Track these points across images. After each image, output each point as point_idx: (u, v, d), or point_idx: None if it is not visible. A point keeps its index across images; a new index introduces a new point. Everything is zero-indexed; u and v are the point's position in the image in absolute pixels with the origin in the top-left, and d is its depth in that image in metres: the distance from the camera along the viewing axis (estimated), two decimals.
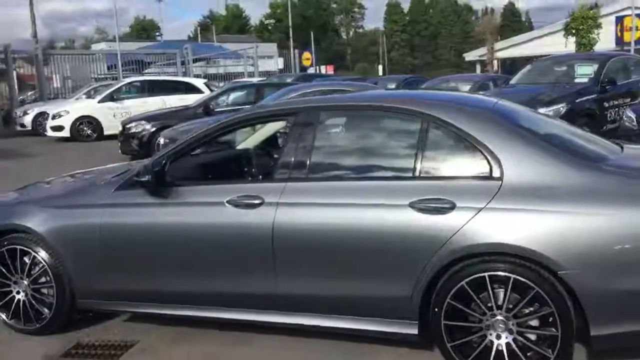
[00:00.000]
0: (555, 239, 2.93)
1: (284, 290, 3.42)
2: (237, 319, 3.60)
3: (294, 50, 37.86)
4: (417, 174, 3.26)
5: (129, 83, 17.33)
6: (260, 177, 3.77)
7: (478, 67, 40.10)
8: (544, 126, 3.60)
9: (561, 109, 9.39)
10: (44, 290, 3.94)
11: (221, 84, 21.28)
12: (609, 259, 2.89)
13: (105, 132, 15.88)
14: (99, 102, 16.27)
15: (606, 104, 9.81)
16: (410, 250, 3.15)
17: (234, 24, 78.39)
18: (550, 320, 2.98)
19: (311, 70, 35.86)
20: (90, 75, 23.23)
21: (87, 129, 16.10)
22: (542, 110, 9.33)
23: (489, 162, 3.13)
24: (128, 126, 11.82)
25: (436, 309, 3.15)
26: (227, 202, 3.47)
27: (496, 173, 3.10)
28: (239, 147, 4.54)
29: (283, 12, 67.75)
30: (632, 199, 2.92)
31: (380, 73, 53.03)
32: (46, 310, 3.94)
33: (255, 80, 20.23)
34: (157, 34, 77.17)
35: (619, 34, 28.16)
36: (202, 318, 3.70)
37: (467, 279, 3.07)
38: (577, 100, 9.59)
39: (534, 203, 2.99)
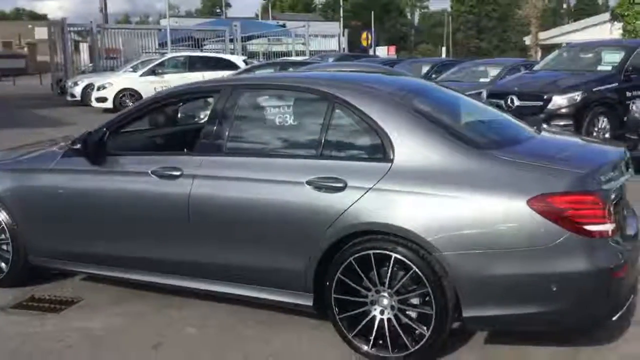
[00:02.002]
0: (433, 222, 3.03)
1: (198, 257, 3.65)
2: (158, 283, 3.87)
3: (348, 31, 37.60)
4: (318, 152, 3.40)
5: (171, 58, 17.92)
6: (185, 150, 4.00)
7: (540, 52, 38.71)
8: (456, 113, 3.65)
9: (576, 97, 9.17)
10: (4, 247, 4.33)
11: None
12: (481, 244, 2.96)
13: None
14: (140, 75, 16.92)
15: (629, 94, 9.46)
16: (305, 226, 3.30)
17: (299, 3, 78.59)
18: (426, 299, 3.09)
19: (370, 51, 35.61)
20: (141, 50, 24.02)
21: (128, 101, 16.78)
22: (556, 97, 9.21)
23: (383, 145, 3.24)
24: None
25: (327, 283, 3.31)
26: (152, 172, 3.72)
27: (388, 155, 3.21)
28: (170, 120, 4.80)
29: None
30: (506, 187, 2.97)
31: (444, 55, 52.08)
32: (3, 265, 4.33)
33: (302, 58, 20.47)
34: (219, 10, 78.26)
35: None
36: (131, 280, 3.99)
37: (354, 256, 3.21)
38: (594, 89, 9.31)
39: (418, 186, 3.09)
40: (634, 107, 7.92)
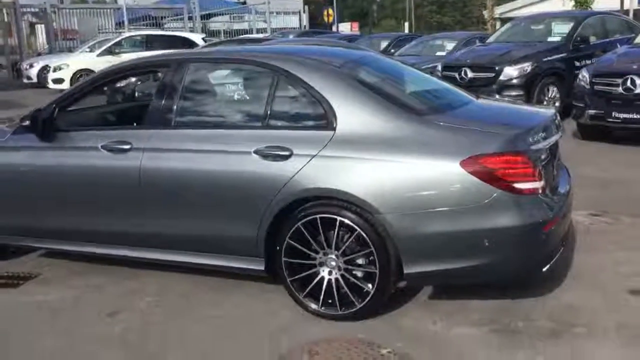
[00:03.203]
0: (375, 186, 3.19)
1: (151, 229, 3.75)
2: (114, 255, 3.96)
3: (310, 8, 37.36)
4: (264, 123, 3.52)
5: (128, 37, 17.66)
6: (134, 124, 4.06)
7: (497, 25, 39.10)
8: (397, 82, 3.80)
9: (526, 67, 9.45)
10: None
11: None
12: (419, 204, 3.13)
13: None
14: (97, 55, 16.66)
15: (577, 64, 9.77)
16: (255, 194, 3.43)
17: None
18: (370, 258, 3.26)
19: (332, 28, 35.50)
20: (98, 30, 23.56)
21: None
22: (507, 68, 9.46)
23: (326, 114, 3.37)
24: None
25: (278, 248, 3.45)
26: (102, 146, 3.79)
27: (332, 124, 3.34)
28: (119, 95, 4.86)
29: None
30: (441, 150, 3.13)
31: (407, 30, 52.18)
32: None
33: (262, 36, 20.36)
34: None
35: None
36: (87, 253, 4.08)
37: (302, 221, 3.35)
38: (544, 59, 9.60)
39: (359, 152, 3.24)
40: (579, 77, 8.19)
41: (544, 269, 3.27)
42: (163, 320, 3.51)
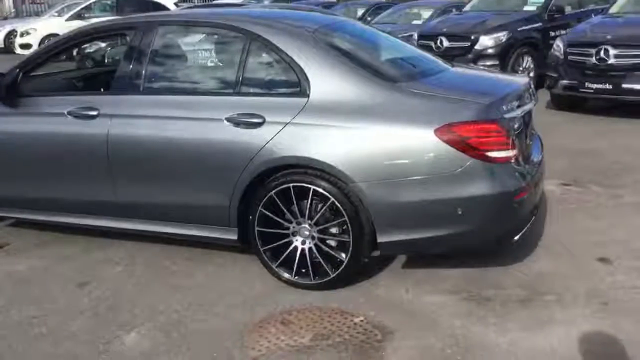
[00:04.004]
0: (348, 154, 3.14)
1: (121, 198, 3.67)
2: (82, 225, 3.88)
3: None
4: (236, 89, 3.43)
5: (98, 1, 17.16)
6: (101, 89, 3.93)
7: None
8: (372, 49, 3.73)
9: (502, 37, 9.41)
10: None
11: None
12: (393, 173, 3.10)
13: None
14: (66, 20, 16.19)
15: (552, 34, 9.76)
16: (226, 162, 3.36)
17: None
18: (344, 228, 3.24)
19: None
20: None
21: None
22: (482, 38, 9.42)
23: (299, 80, 3.30)
24: (84, 46, 11.82)
25: (251, 217, 3.40)
26: (68, 112, 3.67)
27: (305, 90, 3.28)
28: (89, 61, 4.72)
29: None
30: (415, 118, 3.10)
31: None
32: None
33: (238, 0, 19.96)
34: None
35: None
36: (55, 223, 3.99)
37: (275, 190, 3.30)
38: (519, 29, 9.57)
39: (333, 119, 3.18)
40: (554, 46, 8.19)
41: (515, 238, 3.29)
42: (133, 291, 3.47)
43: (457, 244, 3.24)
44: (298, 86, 3.30)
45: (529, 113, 3.65)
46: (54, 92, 4.09)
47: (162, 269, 3.73)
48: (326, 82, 3.26)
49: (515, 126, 3.32)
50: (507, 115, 3.19)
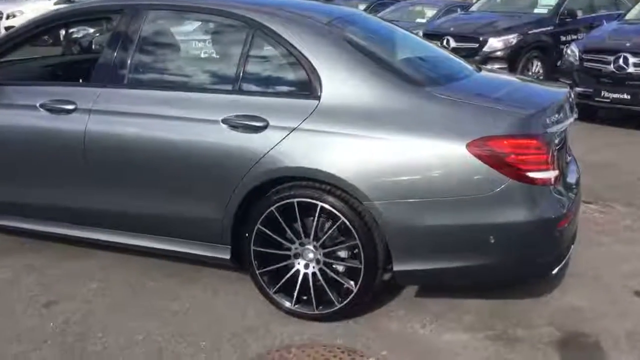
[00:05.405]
0: (364, 167, 2.69)
1: (98, 205, 3.20)
2: (52, 233, 3.40)
3: None
4: (236, 87, 2.97)
5: None
6: (80, 80, 3.45)
7: None
8: (392, 46, 3.29)
9: (512, 39, 9.03)
10: None
11: None
12: (416, 192, 2.66)
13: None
14: (55, 3, 15.57)
15: (563, 38, 9.40)
16: (220, 171, 2.91)
17: None
18: (355, 252, 2.80)
19: None
20: None
21: None
22: (492, 39, 9.02)
23: (310, 79, 2.84)
24: (71, 30, 11.30)
25: (247, 235, 2.95)
26: (40, 105, 3.20)
27: (316, 91, 2.82)
28: (75, 47, 4.23)
29: None
30: (444, 129, 2.65)
31: None
32: None
33: None
34: None
35: None
36: (24, 230, 3.51)
37: (276, 205, 2.85)
38: (529, 32, 9.19)
39: (348, 127, 2.73)
40: (568, 52, 7.79)
41: (554, 272, 2.86)
42: (107, 314, 3.00)
43: (486, 277, 2.80)
44: (308, 86, 2.84)
45: (567, 128, 3.22)
46: (27, 81, 3.59)
47: (141, 287, 3.26)
48: (341, 82, 2.80)
49: (556, 142, 2.88)
50: (549, 130, 2.75)
